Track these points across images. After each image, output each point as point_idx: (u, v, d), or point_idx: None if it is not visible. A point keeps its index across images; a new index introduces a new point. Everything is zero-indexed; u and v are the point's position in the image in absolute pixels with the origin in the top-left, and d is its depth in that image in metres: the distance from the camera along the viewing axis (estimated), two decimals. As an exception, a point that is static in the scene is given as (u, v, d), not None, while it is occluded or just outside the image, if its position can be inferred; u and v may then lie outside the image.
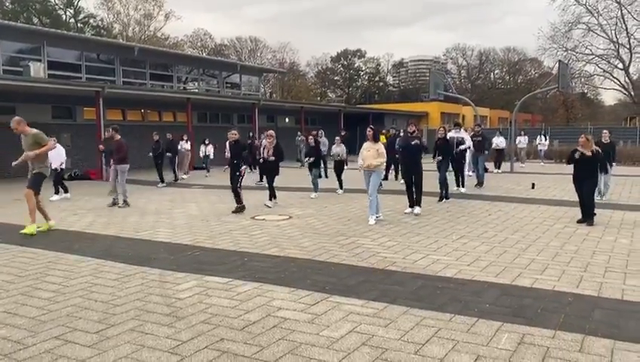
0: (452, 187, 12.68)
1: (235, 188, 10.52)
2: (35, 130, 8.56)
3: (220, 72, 34.52)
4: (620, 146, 23.79)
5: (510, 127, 25.00)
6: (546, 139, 26.33)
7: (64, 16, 55.13)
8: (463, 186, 13.53)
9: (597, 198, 10.03)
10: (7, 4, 49.72)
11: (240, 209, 10.47)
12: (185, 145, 19.17)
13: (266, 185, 11.75)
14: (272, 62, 66.29)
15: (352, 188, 13.43)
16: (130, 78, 27.85)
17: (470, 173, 15.87)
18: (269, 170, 11.54)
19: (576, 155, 8.80)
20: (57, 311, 4.71)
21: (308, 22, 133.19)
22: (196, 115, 26.35)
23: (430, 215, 9.88)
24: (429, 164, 11.52)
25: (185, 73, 33.19)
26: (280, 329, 4.23)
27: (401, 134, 15.92)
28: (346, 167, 13.93)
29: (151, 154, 16.52)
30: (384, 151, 9.44)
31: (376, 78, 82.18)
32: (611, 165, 11.51)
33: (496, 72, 79.95)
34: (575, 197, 9.49)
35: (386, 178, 16.22)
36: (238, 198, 10.56)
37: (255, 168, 16.84)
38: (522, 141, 24.61)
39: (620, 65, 45.15)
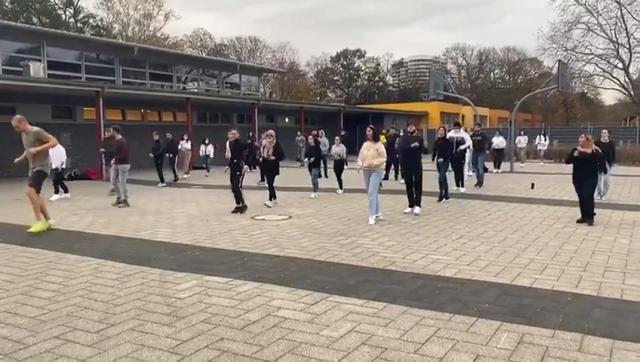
0: (452, 187, 12.69)
1: (237, 187, 10.53)
2: (36, 128, 8.58)
3: (219, 72, 34.53)
4: (619, 146, 23.82)
5: (510, 126, 25.01)
6: (545, 139, 26.32)
7: (64, 16, 55.13)
8: (462, 186, 13.54)
9: (597, 198, 10.04)
10: (7, 3, 49.73)
11: (240, 209, 10.46)
12: (185, 145, 19.19)
13: (267, 184, 11.76)
14: (271, 62, 66.34)
15: (351, 188, 13.44)
16: (129, 78, 27.87)
17: (470, 173, 15.88)
18: (269, 170, 11.55)
19: (576, 153, 8.82)
20: (58, 311, 4.72)
21: (308, 22, 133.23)
22: (196, 115, 26.35)
23: (430, 215, 9.89)
24: (428, 164, 11.53)
25: (184, 73, 33.20)
26: (280, 328, 4.24)
27: (401, 134, 15.93)
28: (345, 167, 13.94)
29: (152, 155, 16.52)
30: (384, 151, 9.44)
31: (376, 78, 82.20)
32: (611, 165, 11.52)
33: (496, 71, 79.99)
34: (575, 197, 9.51)
35: (386, 178, 16.23)
36: (238, 198, 10.56)
37: (255, 168, 16.85)
38: (522, 141, 24.62)
39: (620, 65, 45.20)
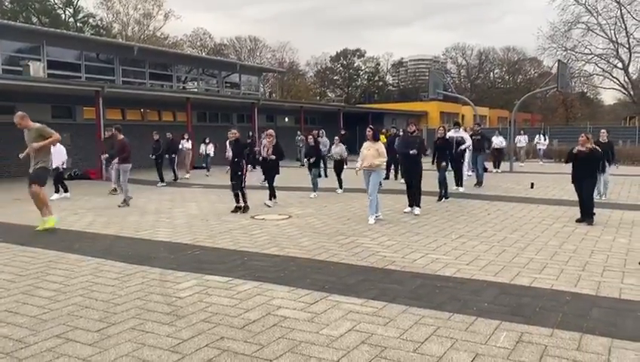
0: (451, 186, 12.70)
1: (241, 187, 10.52)
2: (38, 124, 8.59)
3: (219, 72, 34.53)
4: (619, 146, 23.82)
5: (509, 126, 25.02)
6: (545, 139, 26.34)
7: (63, 16, 55.11)
8: (461, 186, 13.55)
9: (596, 198, 10.06)
10: (7, 3, 49.71)
11: (241, 208, 10.45)
12: (186, 145, 19.20)
13: (267, 184, 11.77)
14: (271, 62, 66.33)
15: (351, 188, 13.45)
16: (129, 78, 27.86)
17: (469, 173, 15.90)
18: (269, 170, 11.56)
19: (575, 150, 8.85)
20: (58, 310, 4.73)
21: (308, 21, 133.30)
22: (196, 115, 26.36)
23: (429, 214, 9.90)
24: (428, 164, 11.54)
25: (184, 73, 33.20)
26: (280, 327, 4.26)
27: (401, 134, 15.94)
28: (345, 167, 13.95)
29: (153, 156, 16.52)
30: (384, 151, 9.46)
31: (376, 78, 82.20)
32: (610, 164, 11.53)
33: (495, 71, 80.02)
34: (574, 197, 9.52)
35: (387, 177, 16.26)
36: (238, 198, 10.56)
37: (255, 168, 16.87)
38: (522, 140, 24.63)
39: (620, 65, 45.19)
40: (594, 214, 8.86)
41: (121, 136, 11.95)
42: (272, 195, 11.39)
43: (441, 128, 12.44)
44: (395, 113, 42.45)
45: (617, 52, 44.39)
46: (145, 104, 25.16)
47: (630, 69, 45.23)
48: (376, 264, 6.25)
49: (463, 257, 6.53)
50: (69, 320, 4.48)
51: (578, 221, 8.90)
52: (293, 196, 12.91)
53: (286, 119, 34.21)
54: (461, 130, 14.82)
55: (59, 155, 12.46)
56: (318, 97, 73.41)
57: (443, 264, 6.21)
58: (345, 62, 79.29)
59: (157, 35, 59.15)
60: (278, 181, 11.83)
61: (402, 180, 12.07)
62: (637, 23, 42.47)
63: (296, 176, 17.80)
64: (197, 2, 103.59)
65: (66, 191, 13.33)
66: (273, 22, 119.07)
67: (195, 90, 32.30)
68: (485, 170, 16.05)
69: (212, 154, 20.72)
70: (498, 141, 20.69)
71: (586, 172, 8.85)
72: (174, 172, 17.93)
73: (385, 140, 16.86)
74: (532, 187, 14.39)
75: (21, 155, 8.88)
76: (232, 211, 10.41)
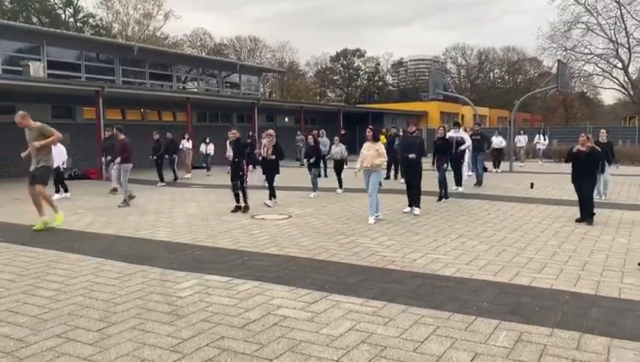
0: (451, 186, 12.71)
1: (242, 187, 10.53)
2: (39, 123, 8.61)
3: (219, 72, 34.53)
4: (619, 146, 23.83)
5: (509, 126, 25.03)
6: (545, 139, 26.34)
7: (63, 16, 55.11)
8: (461, 185, 13.56)
9: (596, 198, 10.07)
10: (7, 3, 49.70)
11: (240, 208, 10.47)
12: (186, 145, 19.20)
13: (267, 184, 11.77)
14: (271, 62, 66.35)
15: (351, 188, 13.45)
16: (129, 78, 27.87)
17: (469, 173, 15.90)
18: (269, 169, 11.57)
19: (574, 150, 8.86)
20: (59, 310, 4.74)
21: (308, 21, 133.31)
22: (196, 115, 26.35)
23: (429, 214, 9.91)
24: (428, 164, 11.55)
25: (184, 73, 33.20)
26: (280, 327, 4.27)
27: (401, 134, 15.94)
28: (345, 167, 13.96)
29: (154, 157, 16.52)
30: (384, 151, 9.47)
31: (376, 78, 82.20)
32: (610, 164, 11.54)
33: (495, 71, 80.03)
34: (574, 197, 9.54)
35: (387, 177, 16.27)
36: (238, 198, 10.56)
37: (255, 168, 16.85)
38: (521, 140, 24.63)
39: (619, 65, 45.20)
40: (594, 214, 8.86)
41: (122, 136, 11.96)
42: (272, 195, 11.40)
43: (441, 128, 12.45)
44: (395, 113, 42.43)
45: (617, 52, 44.42)
46: (145, 104, 25.16)
47: (630, 69, 45.31)
48: (376, 264, 6.26)
49: (462, 257, 6.54)
50: (70, 319, 4.50)
51: (578, 221, 8.91)
52: (293, 196, 12.92)
53: (286, 119, 34.21)
54: (461, 130, 14.82)
55: (59, 155, 12.45)
56: (318, 97, 73.43)
57: (443, 264, 6.22)
58: (345, 62, 79.30)
59: (157, 35, 59.17)
60: (278, 181, 11.84)
61: (402, 180, 12.07)
62: (637, 23, 42.53)
63: (296, 176, 17.81)
64: (197, 2, 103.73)
65: (66, 191, 13.33)
66: (273, 22, 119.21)
67: (195, 90, 32.30)
68: (485, 169, 16.07)
69: (212, 153, 20.73)
70: (498, 141, 20.69)
71: (586, 171, 8.86)
72: (174, 172, 17.94)
73: (385, 140, 16.88)
74: (532, 187, 14.40)
75: (23, 154, 8.90)
76: (232, 211, 10.42)
